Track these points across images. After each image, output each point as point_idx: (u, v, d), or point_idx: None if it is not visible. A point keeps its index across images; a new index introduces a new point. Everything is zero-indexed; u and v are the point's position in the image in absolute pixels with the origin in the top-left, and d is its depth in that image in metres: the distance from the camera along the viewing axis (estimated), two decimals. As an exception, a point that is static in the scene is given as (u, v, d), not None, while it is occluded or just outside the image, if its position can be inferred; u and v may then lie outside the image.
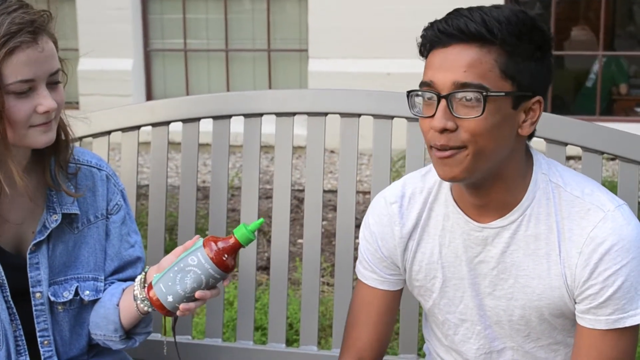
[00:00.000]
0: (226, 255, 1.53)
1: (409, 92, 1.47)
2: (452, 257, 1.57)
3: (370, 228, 1.66)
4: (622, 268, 1.41)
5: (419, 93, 1.45)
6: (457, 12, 1.41)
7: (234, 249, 1.54)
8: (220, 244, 1.53)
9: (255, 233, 1.56)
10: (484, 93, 1.36)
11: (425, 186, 1.61)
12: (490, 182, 1.47)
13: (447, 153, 1.41)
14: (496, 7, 1.41)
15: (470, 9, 1.40)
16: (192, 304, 1.56)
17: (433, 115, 1.40)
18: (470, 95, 1.37)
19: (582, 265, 1.44)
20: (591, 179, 1.55)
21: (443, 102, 1.39)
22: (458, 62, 1.37)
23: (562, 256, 1.47)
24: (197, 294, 1.54)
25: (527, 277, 1.50)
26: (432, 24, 1.42)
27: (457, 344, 1.64)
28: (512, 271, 1.52)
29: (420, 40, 1.44)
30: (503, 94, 1.38)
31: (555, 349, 1.58)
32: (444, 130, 1.39)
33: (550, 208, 1.48)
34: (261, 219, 1.58)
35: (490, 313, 1.57)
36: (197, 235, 1.63)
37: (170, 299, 1.54)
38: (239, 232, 1.53)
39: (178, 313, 1.57)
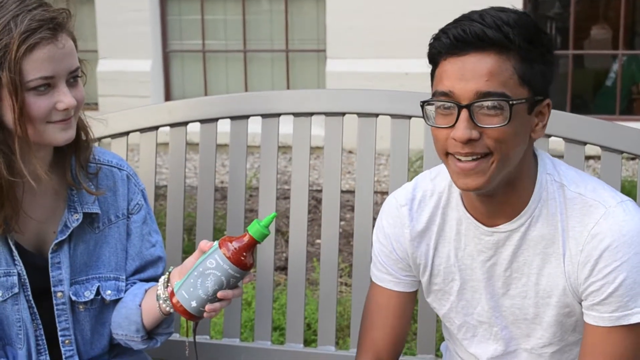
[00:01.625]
0: (243, 254, 1.53)
1: (423, 103, 1.44)
2: (469, 260, 1.57)
3: (385, 230, 1.66)
4: (623, 264, 1.40)
5: (433, 102, 1.42)
6: (467, 18, 1.38)
7: (250, 246, 1.54)
8: (236, 243, 1.54)
9: (269, 228, 1.56)
10: (510, 102, 1.35)
11: (435, 189, 1.60)
12: (502, 189, 1.46)
13: (473, 164, 1.40)
14: (500, 10, 1.39)
15: (479, 14, 1.37)
16: (217, 304, 1.57)
17: (452, 126, 1.38)
18: (493, 103, 1.36)
19: (584, 262, 1.44)
20: (595, 177, 1.54)
21: (465, 112, 1.37)
22: (478, 71, 1.35)
23: (566, 255, 1.46)
24: (220, 293, 1.55)
25: (538, 275, 1.50)
26: (444, 32, 1.39)
27: (474, 346, 1.64)
28: (524, 270, 1.52)
29: (431, 48, 1.41)
30: (524, 100, 1.38)
31: (567, 349, 1.57)
32: (468, 140, 1.38)
33: (555, 208, 1.47)
34: (274, 213, 1.58)
35: (506, 313, 1.57)
36: (215, 242, 1.64)
37: (194, 304, 1.55)
38: (253, 229, 1.54)
39: (205, 315, 1.58)
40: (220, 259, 1.53)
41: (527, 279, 1.52)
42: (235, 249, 1.53)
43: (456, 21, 1.40)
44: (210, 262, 1.54)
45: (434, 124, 1.43)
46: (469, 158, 1.40)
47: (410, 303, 1.70)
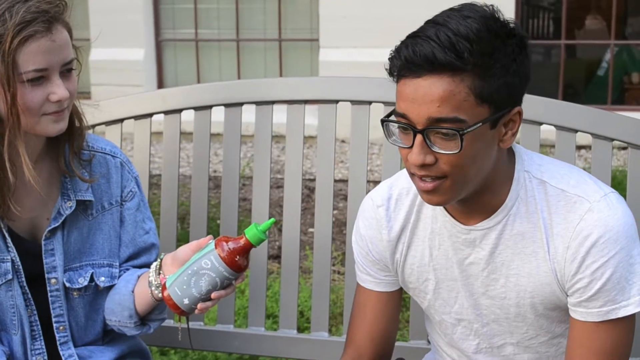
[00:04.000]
0: (238, 256, 1.55)
1: (383, 121, 1.41)
2: (443, 259, 1.56)
3: (360, 232, 1.65)
4: (610, 260, 1.39)
5: (392, 121, 1.39)
6: (423, 34, 1.31)
7: (246, 250, 1.55)
8: (232, 245, 1.54)
9: (267, 233, 1.57)
10: (460, 132, 1.30)
11: (412, 187, 1.57)
12: (476, 192, 1.44)
13: (430, 186, 1.38)
14: (465, 17, 1.31)
15: (437, 28, 1.30)
16: (209, 303, 1.59)
17: (410, 147, 1.35)
18: (446, 131, 1.31)
19: (570, 259, 1.42)
20: (578, 168, 1.51)
21: (419, 136, 1.33)
22: (430, 96, 1.30)
23: (551, 252, 1.44)
24: (213, 295, 1.57)
25: (518, 275, 1.49)
26: (398, 51, 1.34)
27: (457, 341, 1.64)
28: (502, 271, 1.50)
29: (389, 65, 1.36)
30: (480, 124, 1.32)
31: (555, 342, 1.57)
32: (422, 165, 1.35)
33: (535, 205, 1.45)
34: (272, 219, 1.58)
35: (486, 312, 1.56)
36: (210, 236, 1.65)
37: (186, 301, 1.57)
38: (250, 232, 1.55)
39: (196, 312, 1.60)
40: (215, 260, 1.54)
41: (506, 280, 1.50)
42: (230, 250, 1.54)
43: (412, 36, 1.33)
44: (205, 263, 1.55)
45: (396, 140, 1.40)
46: (427, 179, 1.38)
47: (392, 302, 1.68)
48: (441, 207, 1.52)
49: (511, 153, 1.49)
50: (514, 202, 1.46)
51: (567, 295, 1.46)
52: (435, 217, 1.55)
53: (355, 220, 1.69)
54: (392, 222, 1.60)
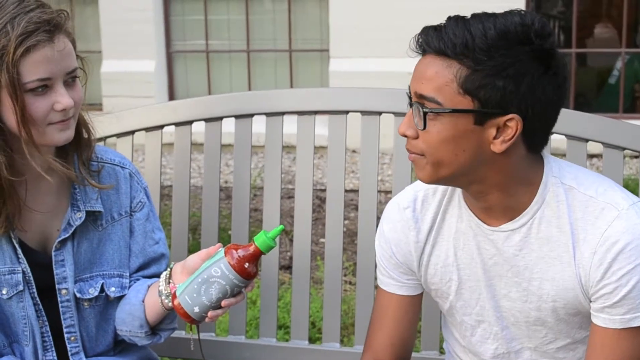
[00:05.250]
0: (247, 264, 1.55)
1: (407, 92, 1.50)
2: (468, 259, 1.56)
3: (385, 235, 1.66)
4: (637, 267, 1.39)
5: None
6: (437, 25, 1.40)
7: (255, 257, 1.56)
8: (241, 252, 1.55)
9: (276, 240, 1.58)
10: (425, 109, 1.38)
11: (438, 187, 1.59)
12: (481, 189, 1.46)
13: (411, 157, 1.46)
14: (490, 15, 1.37)
15: (456, 21, 1.38)
16: (219, 311, 1.59)
17: None
18: (420, 107, 1.39)
19: (596, 265, 1.42)
20: (606, 177, 1.52)
21: (410, 109, 1.43)
22: (422, 73, 1.40)
23: (577, 257, 1.45)
24: (223, 302, 1.58)
25: (541, 279, 1.49)
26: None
27: (475, 345, 1.64)
28: (525, 274, 1.51)
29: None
30: (449, 110, 1.37)
31: (572, 348, 1.57)
32: (405, 135, 1.44)
33: (562, 210, 1.46)
34: (281, 226, 1.59)
35: (506, 314, 1.56)
36: (219, 244, 1.65)
37: (196, 309, 1.57)
38: (260, 240, 1.55)
39: (207, 320, 1.60)
40: (225, 267, 1.55)
41: (529, 284, 1.51)
42: (239, 258, 1.55)
43: (431, 25, 1.42)
44: (215, 270, 1.55)
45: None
46: (411, 153, 1.46)
47: (413, 307, 1.69)
48: (466, 207, 1.54)
49: (539, 159, 1.50)
50: (540, 206, 1.47)
51: (591, 301, 1.47)
52: (461, 216, 1.56)
53: (379, 225, 1.69)
54: (420, 223, 1.61)
